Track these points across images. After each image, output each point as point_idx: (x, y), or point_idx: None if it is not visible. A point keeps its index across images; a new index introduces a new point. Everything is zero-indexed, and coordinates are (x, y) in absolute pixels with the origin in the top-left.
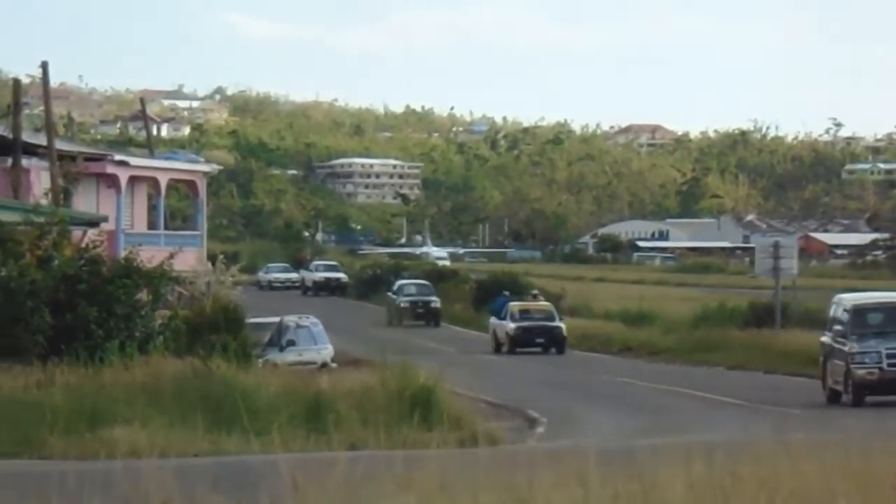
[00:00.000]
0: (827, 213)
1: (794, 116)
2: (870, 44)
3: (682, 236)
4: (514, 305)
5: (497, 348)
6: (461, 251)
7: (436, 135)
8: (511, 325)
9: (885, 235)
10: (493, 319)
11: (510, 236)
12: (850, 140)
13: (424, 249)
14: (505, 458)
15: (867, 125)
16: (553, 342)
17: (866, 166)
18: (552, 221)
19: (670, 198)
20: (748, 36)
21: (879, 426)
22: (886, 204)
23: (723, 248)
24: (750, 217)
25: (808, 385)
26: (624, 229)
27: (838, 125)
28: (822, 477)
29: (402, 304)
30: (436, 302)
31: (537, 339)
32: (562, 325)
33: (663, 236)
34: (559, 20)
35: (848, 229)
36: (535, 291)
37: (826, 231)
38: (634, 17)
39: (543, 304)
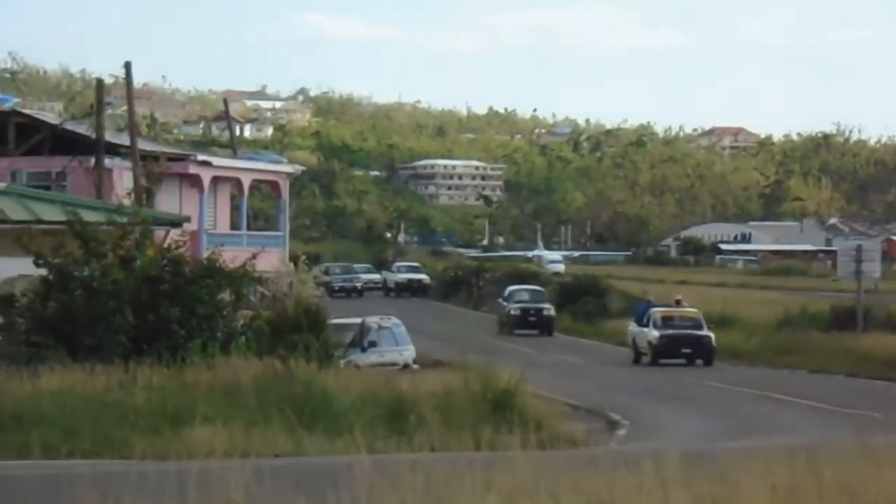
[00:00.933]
0: None
1: (878, 119)
2: None
3: (765, 239)
4: (658, 312)
5: (637, 358)
6: (576, 254)
7: (518, 136)
8: (654, 333)
9: None
10: (632, 326)
11: (593, 238)
12: None
13: (537, 253)
14: (585, 460)
15: None
16: (700, 352)
17: None
18: (634, 224)
19: (753, 201)
20: (831, 38)
21: None
22: None
23: (805, 252)
24: (832, 220)
25: (890, 389)
26: (706, 232)
27: None
28: None
29: (512, 312)
30: (549, 309)
31: (683, 349)
32: (710, 334)
33: (746, 239)
34: (642, 22)
35: None
36: (679, 297)
37: None
38: (718, 20)
39: (690, 310)
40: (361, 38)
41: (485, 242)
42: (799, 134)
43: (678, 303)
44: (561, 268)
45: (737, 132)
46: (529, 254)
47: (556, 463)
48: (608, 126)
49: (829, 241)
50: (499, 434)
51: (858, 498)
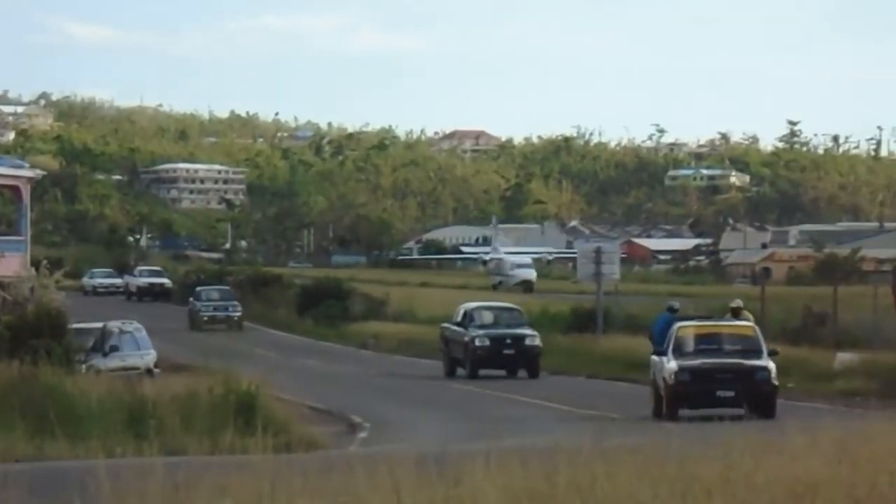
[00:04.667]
0: (650, 219)
1: (618, 123)
2: (691, 50)
3: (506, 241)
4: (687, 328)
5: (656, 410)
6: (551, 256)
7: (260, 140)
8: (672, 367)
9: (708, 241)
10: (653, 357)
11: (335, 242)
12: (672, 146)
13: (495, 256)
14: (324, 463)
15: (690, 131)
16: (755, 400)
17: (689, 172)
18: (377, 227)
19: (494, 203)
20: (572, 42)
21: (699, 433)
22: (709, 209)
23: (547, 254)
24: (573, 223)
25: (629, 390)
26: (448, 235)
27: (661, 131)
28: (638, 482)
29: (202, 312)
30: (236, 307)
31: (723, 392)
32: (769, 365)
33: (487, 242)
34: (384, 26)
35: (671, 235)
36: (739, 302)
37: (649, 236)
38: (459, 24)
39: (743, 324)
40: (103, 42)
41: (227, 246)
42: (539, 137)
43: (736, 313)
44: (532, 275)
45: (478, 135)
46: (486, 256)
47: (296, 466)
48: (350, 130)
49: (569, 244)
50: (240, 438)
51: (592, 499)
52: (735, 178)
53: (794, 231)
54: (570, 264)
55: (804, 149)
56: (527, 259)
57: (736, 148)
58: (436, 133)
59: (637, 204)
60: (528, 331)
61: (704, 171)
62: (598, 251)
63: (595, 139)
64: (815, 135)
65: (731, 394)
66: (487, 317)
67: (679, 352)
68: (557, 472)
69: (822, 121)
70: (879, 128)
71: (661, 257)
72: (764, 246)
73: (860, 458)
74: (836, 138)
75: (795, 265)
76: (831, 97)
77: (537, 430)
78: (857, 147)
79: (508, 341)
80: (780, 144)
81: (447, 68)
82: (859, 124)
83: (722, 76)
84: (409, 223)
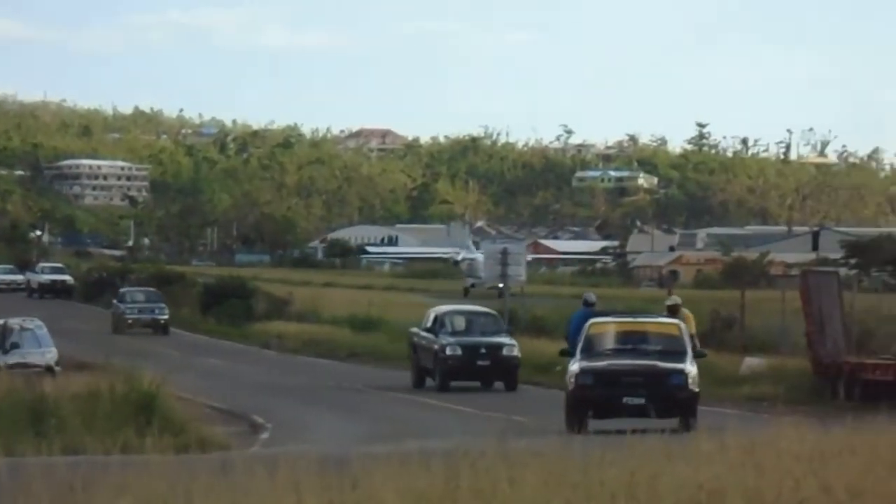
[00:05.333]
0: (557, 220)
1: (525, 123)
2: (600, 50)
3: (412, 241)
4: (600, 325)
5: (569, 421)
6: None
7: (164, 136)
8: (575, 369)
9: (615, 243)
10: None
11: (239, 240)
12: (580, 147)
13: (468, 256)
14: (224, 463)
15: (598, 132)
16: (664, 403)
17: (596, 174)
18: (281, 225)
19: (400, 203)
20: (480, 42)
21: (606, 437)
22: (616, 211)
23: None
24: (480, 223)
25: (535, 393)
26: (353, 234)
27: (569, 132)
28: (541, 487)
29: (126, 314)
30: (163, 310)
31: (630, 399)
32: (686, 367)
33: (392, 242)
34: (290, 23)
35: (578, 236)
36: (676, 300)
37: (556, 238)
38: (365, 22)
39: (665, 321)
40: (6, 37)
41: (130, 244)
42: (447, 137)
43: (673, 311)
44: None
45: (384, 134)
46: (458, 256)
47: (195, 466)
48: (255, 127)
49: (476, 245)
50: (140, 437)
51: (494, 503)
52: (643, 180)
53: (701, 234)
54: None
55: (713, 151)
56: None
57: (644, 150)
58: (342, 131)
59: (544, 205)
60: (505, 339)
61: (612, 173)
62: (504, 252)
63: (502, 139)
64: (724, 137)
65: (639, 401)
66: (460, 323)
67: (588, 352)
68: (459, 476)
69: (731, 123)
70: (789, 131)
71: (568, 259)
72: (671, 249)
73: (766, 463)
74: (745, 141)
75: (703, 268)
76: (740, 99)
77: (440, 433)
78: (766, 150)
79: (483, 351)
80: (689, 146)
81: (354, 66)
82: (768, 127)
83: (630, 77)
84: (314, 222)
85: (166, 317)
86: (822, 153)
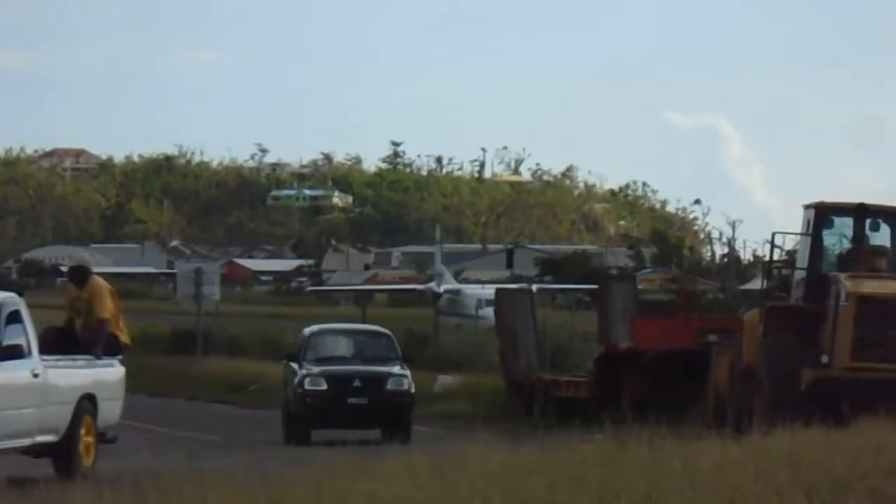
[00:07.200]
0: (252, 240)
1: (220, 142)
2: (294, 69)
3: (106, 261)
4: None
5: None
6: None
7: None
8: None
9: (310, 262)
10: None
11: None
12: (275, 166)
13: (451, 287)
14: None
15: (293, 151)
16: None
17: (292, 192)
18: None
19: (94, 223)
20: (173, 61)
21: (297, 455)
22: (311, 230)
23: (147, 274)
24: (174, 243)
25: (229, 412)
26: (48, 254)
27: (264, 151)
28: None
29: None
30: None
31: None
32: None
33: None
34: None
35: (273, 255)
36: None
37: (251, 257)
38: (57, 41)
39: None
40: None
41: None
42: (140, 156)
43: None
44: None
45: (78, 153)
46: (436, 288)
47: None
48: None
49: (170, 264)
50: None
51: None
52: (338, 199)
53: (396, 252)
54: (171, 285)
55: (407, 170)
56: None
57: (339, 168)
58: (35, 151)
59: (239, 224)
60: (393, 368)
61: (307, 192)
62: (198, 271)
63: (197, 158)
64: (419, 156)
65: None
66: (332, 345)
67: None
68: (146, 495)
69: (425, 142)
70: (483, 149)
71: (264, 278)
72: (366, 267)
73: (456, 481)
74: (439, 159)
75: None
76: (435, 118)
77: (130, 452)
78: (460, 168)
79: (357, 384)
80: (384, 165)
81: (46, 85)
82: (463, 145)
83: (324, 96)
84: (9, 242)
85: None
86: (516, 171)
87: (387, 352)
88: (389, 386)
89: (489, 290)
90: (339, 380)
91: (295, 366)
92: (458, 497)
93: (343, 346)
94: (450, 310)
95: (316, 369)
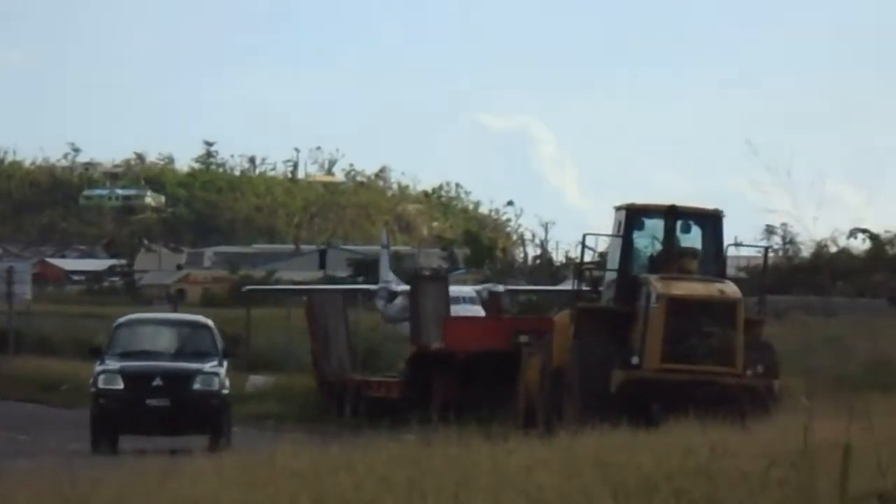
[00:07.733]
0: (65, 239)
1: (33, 141)
2: (106, 69)
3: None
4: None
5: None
6: (501, 288)
7: None
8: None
9: (123, 261)
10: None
11: None
12: (88, 166)
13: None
14: None
15: (105, 151)
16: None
17: (104, 192)
18: None
19: None
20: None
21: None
22: (124, 230)
23: None
24: None
25: (40, 411)
26: None
27: (77, 150)
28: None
29: None
30: None
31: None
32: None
33: None
34: None
35: (85, 255)
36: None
37: (63, 257)
38: None
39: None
40: None
41: None
42: None
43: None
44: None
45: None
46: (394, 286)
47: None
48: None
49: None
50: None
51: None
52: (150, 199)
53: (209, 252)
54: None
55: (221, 170)
56: (469, 291)
57: (152, 168)
58: None
59: (51, 224)
60: (206, 365)
61: (119, 192)
62: (10, 271)
63: (10, 158)
64: (232, 156)
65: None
66: (141, 338)
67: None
68: None
69: (239, 142)
70: (297, 150)
71: (76, 278)
72: (179, 267)
73: (262, 480)
74: (252, 160)
75: (210, 287)
76: (248, 118)
77: None
78: (273, 169)
79: (158, 383)
80: (197, 165)
81: None
82: (276, 146)
83: (138, 95)
84: None
85: None
86: (329, 172)
87: (204, 346)
88: (196, 385)
89: (461, 288)
90: (138, 378)
91: (98, 362)
92: (266, 496)
93: (153, 339)
94: (401, 316)
95: (115, 365)
